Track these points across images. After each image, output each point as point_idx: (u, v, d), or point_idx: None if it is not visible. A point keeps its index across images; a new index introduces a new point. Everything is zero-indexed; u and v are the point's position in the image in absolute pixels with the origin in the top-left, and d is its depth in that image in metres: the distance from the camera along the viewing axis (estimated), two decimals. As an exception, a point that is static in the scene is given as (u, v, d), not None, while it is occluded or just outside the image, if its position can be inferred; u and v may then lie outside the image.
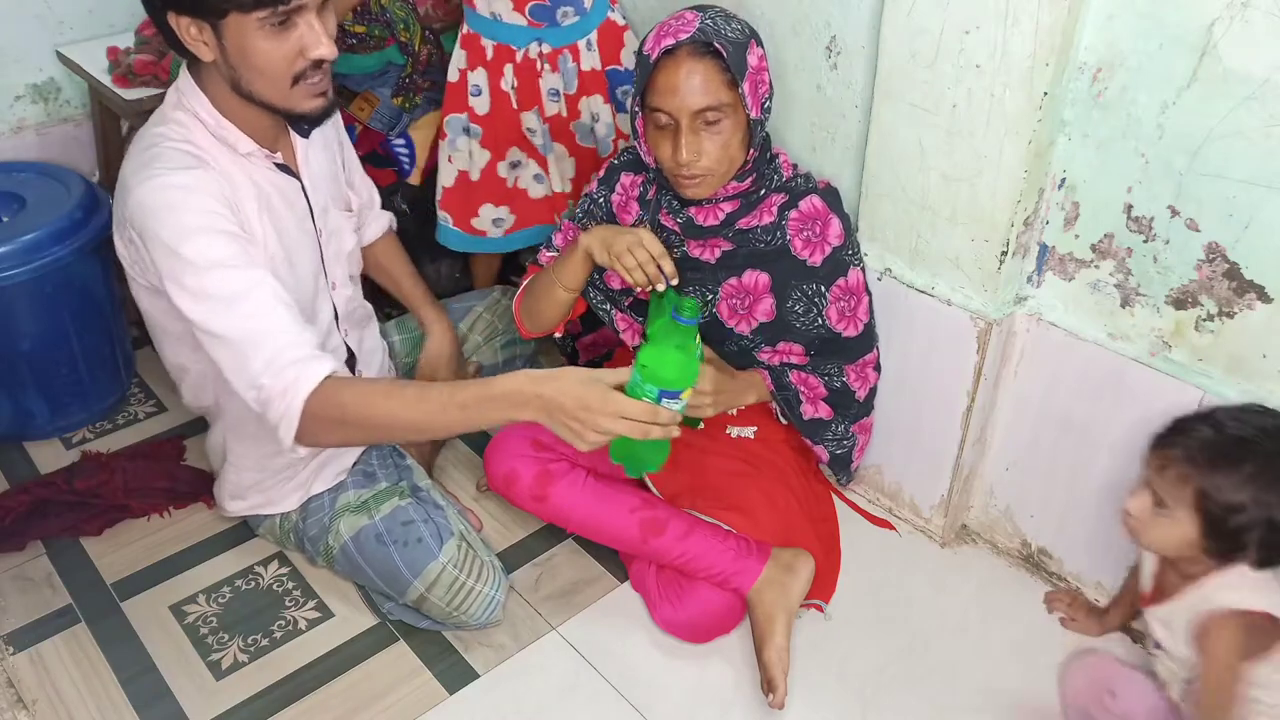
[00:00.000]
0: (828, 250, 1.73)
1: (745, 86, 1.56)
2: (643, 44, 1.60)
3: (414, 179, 2.33)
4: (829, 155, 1.88)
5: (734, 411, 1.84)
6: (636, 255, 1.61)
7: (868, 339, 1.81)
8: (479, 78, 2.05)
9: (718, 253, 1.74)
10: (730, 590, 1.69)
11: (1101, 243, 1.61)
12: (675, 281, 1.64)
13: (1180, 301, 1.55)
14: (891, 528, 1.97)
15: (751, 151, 1.64)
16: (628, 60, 2.08)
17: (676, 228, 1.72)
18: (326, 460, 1.76)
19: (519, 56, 2.03)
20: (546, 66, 2.04)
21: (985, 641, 1.75)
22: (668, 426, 1.31)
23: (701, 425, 1.83)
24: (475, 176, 2.14)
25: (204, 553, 1.90)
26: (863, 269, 1.79)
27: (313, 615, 1.78)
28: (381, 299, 2.07)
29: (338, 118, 1.80)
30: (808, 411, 1.81)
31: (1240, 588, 1.36)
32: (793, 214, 1.71)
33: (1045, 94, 1.49)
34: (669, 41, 1.54)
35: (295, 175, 1.61)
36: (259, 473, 1.75)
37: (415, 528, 1.68)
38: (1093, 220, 1.61)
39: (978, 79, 1.55)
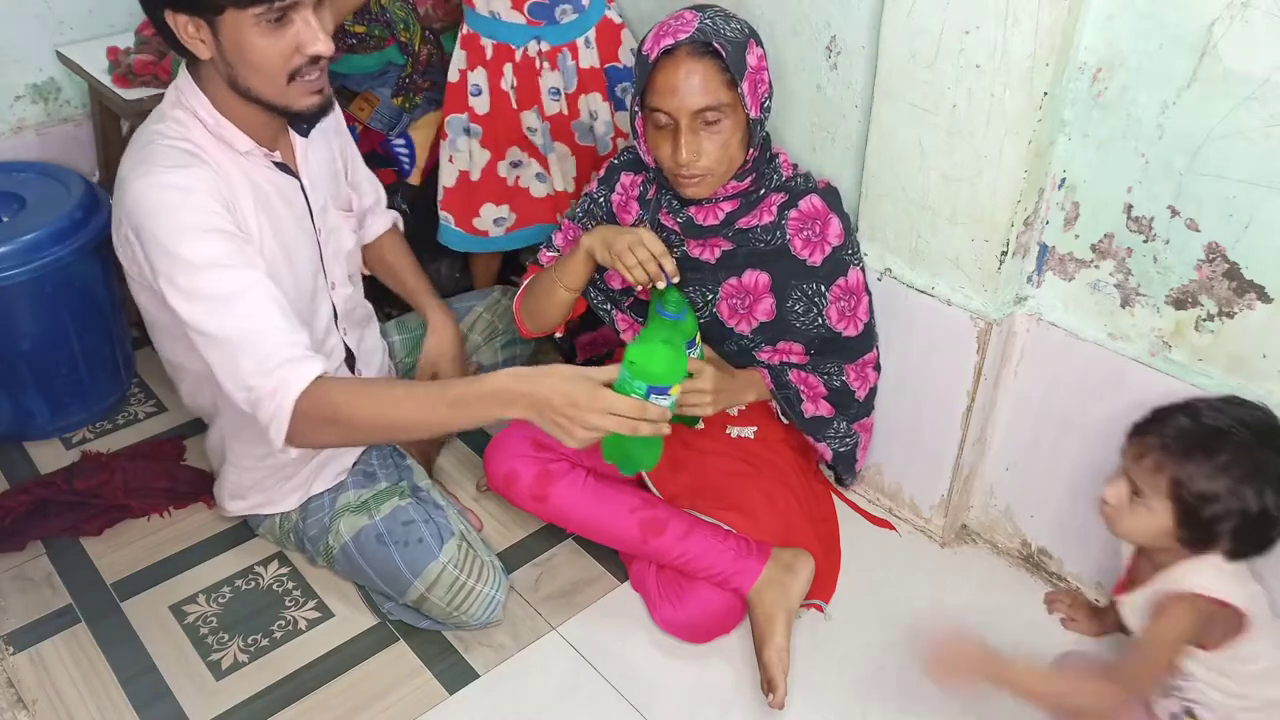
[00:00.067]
0: (827, 250, 1.73)
1: (745, 86, 1.56)
2: (642, 44, 1.60)
3: (414, 179, 2.33)
4: (829, 155, 1.88)
5: (734, 411, 1.84)
6: (637, 254, 1.60)
7: (868, 339, 1.81)
8: (479, 78, 2.05)
9: (718, 252, 1.74)
10: (730, 590, 1.69)
11: (1101, 243, 1.61)
12: (676, 279, 1.64)
13: (1180, 301, 1.55)
14: (891, 528, 1.97)
15: (751, 151, 1.64)
16: (626, 58, 2.09)
17: (676, 227, 1.72)
18: (326, 460, 1.76)
19: (518, 55, 2.03)
20: (546, 65, 2.04)
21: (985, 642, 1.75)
22: (658, 423, 1.31)
23: (701, 425, 1.83)
24: (476, 176, 2.14)
25: (204, 553, 1.90)
26: (862, 269, 1.79)
27: (313, 615, 1.78)
28: (382, 299, 2.07)
29: (341, 119, 1.80)
30: (809, 409, 1.81)
31: (1204, 573, 1.36)
32: (792, 214, 1.71)
33: (1045, 94, 1.49)
34: (668, 41, 1.54)
35: (294, 174, 1.61)
36: (259, 472, 1.75)
37: (415, 528, 1.68)
38: (1093, 220, 1.60)
39: (978, 79, 1.55)
